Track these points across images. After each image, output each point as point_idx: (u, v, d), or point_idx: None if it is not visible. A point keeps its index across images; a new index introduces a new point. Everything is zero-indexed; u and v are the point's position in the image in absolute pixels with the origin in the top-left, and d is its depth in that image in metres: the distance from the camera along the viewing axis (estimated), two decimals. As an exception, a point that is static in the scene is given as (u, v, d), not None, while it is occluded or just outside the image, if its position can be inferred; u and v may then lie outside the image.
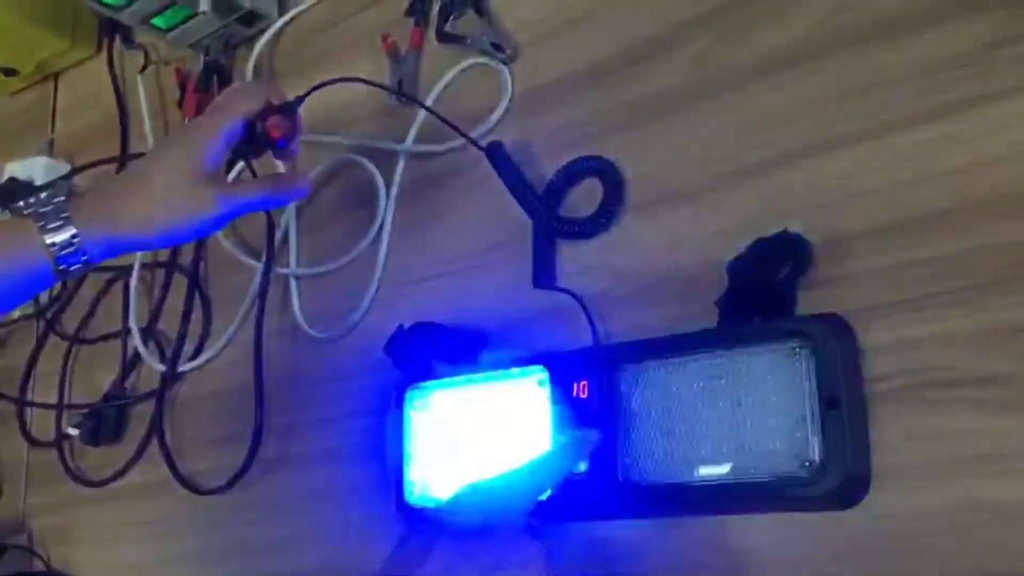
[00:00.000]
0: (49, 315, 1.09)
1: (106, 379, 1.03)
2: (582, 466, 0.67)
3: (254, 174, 0.87)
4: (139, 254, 1.02)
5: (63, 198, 0.68)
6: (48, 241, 0.66)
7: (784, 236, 0.64)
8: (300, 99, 0.74)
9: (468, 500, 0.61)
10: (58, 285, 1.09)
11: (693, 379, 0.65)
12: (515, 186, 0.76)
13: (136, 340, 1.00)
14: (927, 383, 0.59)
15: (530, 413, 0.72)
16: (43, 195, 0.68)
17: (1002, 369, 0.57)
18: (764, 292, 0.64)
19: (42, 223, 0.67)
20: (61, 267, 0.67)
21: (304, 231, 0.93)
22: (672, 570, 0.66)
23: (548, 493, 0.67)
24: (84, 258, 0.67)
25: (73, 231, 0.67)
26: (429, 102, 0.85)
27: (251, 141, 0.73)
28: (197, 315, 0.98)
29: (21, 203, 0.69)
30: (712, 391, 0.64)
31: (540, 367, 0.71)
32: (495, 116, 0.82)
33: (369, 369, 0.83)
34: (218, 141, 0.70)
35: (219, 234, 0.97)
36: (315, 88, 0.76)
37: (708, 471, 0.63)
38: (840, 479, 0.58)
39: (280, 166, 0.92)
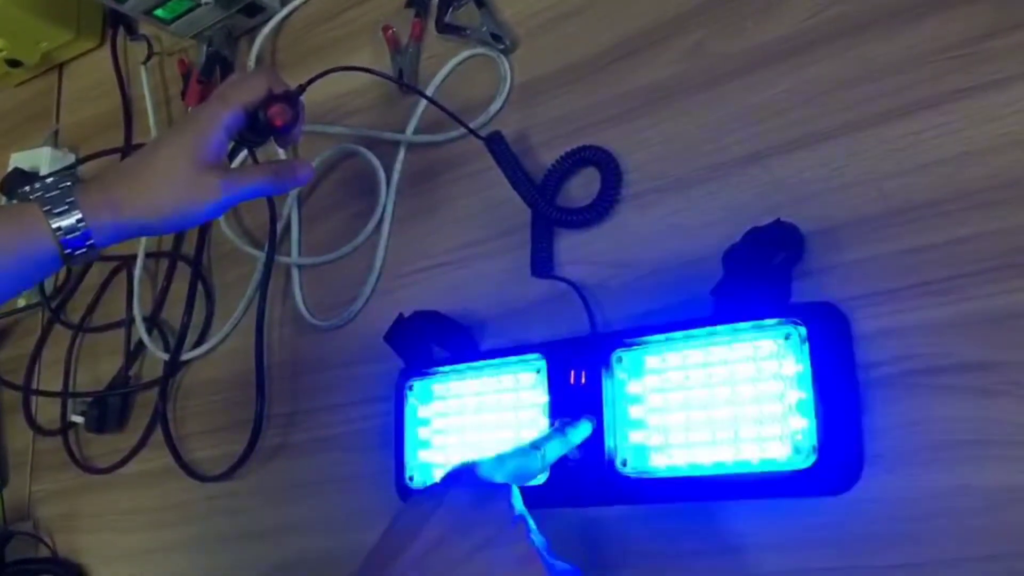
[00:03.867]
0: (54, 304, 1.10)
1: (110, 368, 1.04)
2: (579, 451, 0.67)
3: (256, 162, 0.87)
4: (143, 243, 1.03)
5: (69, 184, 0.69)
6: (54, 226, 0.67)
7: (778, 225, 0.65)
8: (302, 88, 0.75)
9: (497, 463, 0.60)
10: (62, 274, 1.10)
11: (688, 366, 0.66)
12: (514, 176, 0.77)
13: (140, 329, 1.01)
14: (918, 370, 0.60)
15: (528, 400, 0.73)
16: (49, 181, 0.69)
17: (991, 356, 0.58)
18: (759, 280, 0.64)
19: (48, 208, 0.67)
20: (67, 251, 0.68)
21: (306, 221, 0.94)
22: (665, 556, 0.67)
23: (545, 477, 0.68)
24: (89, 242, 0.68)
25: (79, 216, 0.68)
26: (429, 92, 0.86)
27: (253, 129, 0.73)
28: (200, 304, 0.99)
29: (27, 188, 0.69)
30: (707, 378, 0.65)
31: (538, 355, 0.72)
32: (494, 106, 0.82)
33: (370, 357, 0.84)
34: (220, 129, 0.71)
35: (222, 224, 0.98)
36: (318, 77, 0.76)
37: (703, 457, 0.64)
38: (833, 465, 0.59)
39: (282, 153, 0.94)
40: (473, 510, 0.55)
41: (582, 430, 0.67)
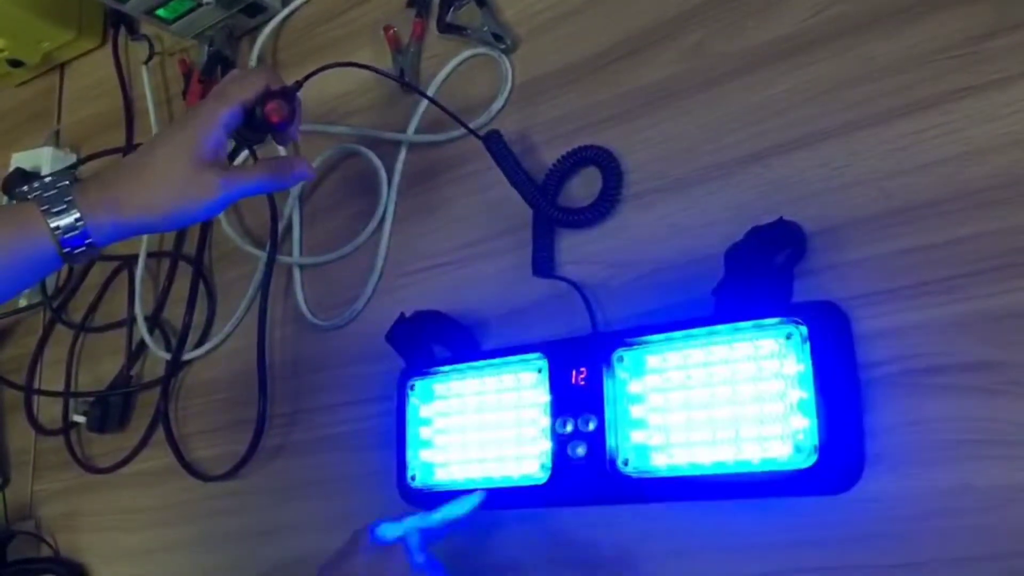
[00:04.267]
0: (55, 304, 1.10)
1: (112, 367, 1.04)
2: (580, 451, 0.68)
3: (256, 160, 0.87)
4: (144, 243, 1.03)
5: (67, 183, 0.69)
6: (52, 225, 0.67)
7: (780, 224, 0.65)
8: (299, 84, 0.75)
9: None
10: (64, 273, 1.10)
11: (690, 366, 0.66)
12: (515, 175, 0.77)
13: (141, 328, 1.01)
14: (919, 370, 0.60)
15: (529, 400, 0.73)
16: (47, 180, 0.69)
17: (993, 356, 0.58)
18: (760, 280, 0.64)
19: (46, 207, 0.67)
20: (66, 250, 0.68)
21: (307, 221, 0.94)
22: (666, 554, 0.67)
23: (547, 477, 0.68)
24: (88, 241, 0.68)
25: (77, 215, 0.68)
26: (430, 92, 0.86)
27: (251, 126, 0.73)
28: (202, 304, 0.99)
29: (25, 188, 0.70)
30: (708, 377, 0.65)
31: (539, 354, 0.72)
32: (495, 106, 0.83)
33: (371, 357, 0.84)
34: (218, 126, 0.71)
35: (223, 223, 0.98)
36: (315, 72, 0.76)
37: (704, 457, 0.64)
38: (834, 465, 0.59)
39: (282, 151, 0.94)
40: (376, 572, 0.60)
41: (470, 501, 0.70)
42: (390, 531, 0.66)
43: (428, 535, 0.67)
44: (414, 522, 0.67)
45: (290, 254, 0.94)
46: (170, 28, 1.02)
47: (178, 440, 0.96)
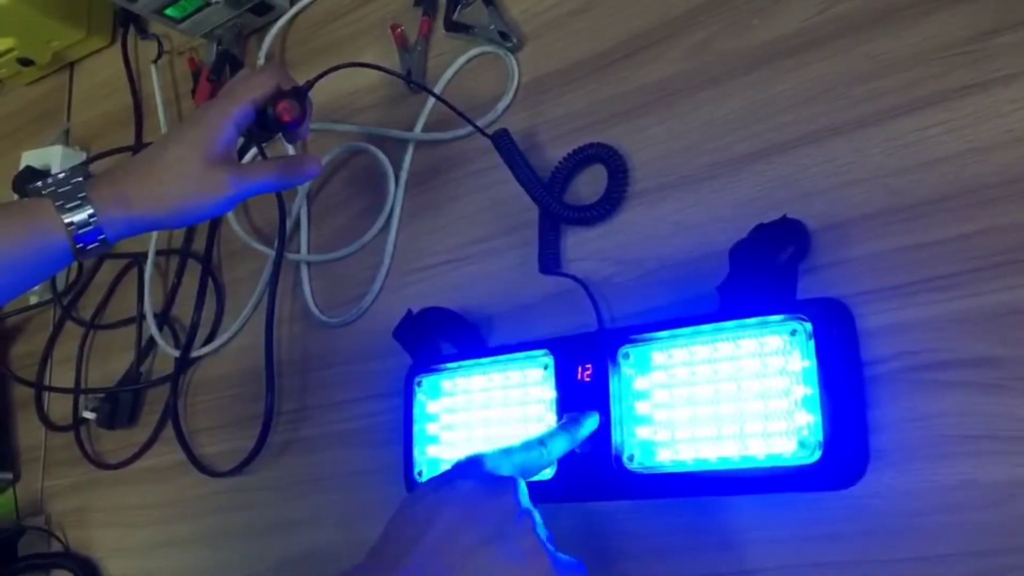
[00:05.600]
0: (66, 301, 1.11)
1: (122, 364, 1.04)
2: (586, 447, 0.68)
3: (264, 158, 0.88)
4: (154, 241, 1.04)
5: (80, 179, 0.70)
6: (66, 220, 0.68)
7: (784, 222, 0.65)
8: (310, 83, 0.76)
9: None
10: (74, 271, 1.11)
11: (695, 362, 0.66)
12: (521, 173, 0.77)
13: (151, 325, 1.02)
14: (923, 366, 0.60)
15: (535, 396, 0.73)
16: (60, 176, 0.70)
17: (996, 352, 0.58)
18: (765, 277, 0.65)
19: (60, 203, 0.68)
20: (79, 246, 0.69)
21: (315, 218, 0.95)
22: (670, 550, 0.67)
23: (552, 472, 0.68)
24: (101, 237, 0.69)
25: (90, 210, 0.68)
26: (437, 90, 0.86)
27: (262, 125, 0.74)
28: (210, 301, 1.00)
29: (39, 184, 0.70)
30: (713, 374, 0.65)
31: (545, 351, 0.72)
32: (502, 104, 0.83)
33: (378, 353, 0.85)
34: (229, 125, 0.71)
35: (232, 221, 0.98)
36: (326, 72, 0.77)
37: (709, 452, 0.64)
38: (838, 460, 0.59)
39: (291, 149, 0.94)
40: (480, 503, 0.56)
41: (588, 425, 0.67)
42: (501, 465, 0.60)
43: (528, 470, 0.62)
44: (521, 454, 0.61)
45: (298, 251, 0.94)
46: (179, 27, 1.03)
47: (187, 436, 0.97)
